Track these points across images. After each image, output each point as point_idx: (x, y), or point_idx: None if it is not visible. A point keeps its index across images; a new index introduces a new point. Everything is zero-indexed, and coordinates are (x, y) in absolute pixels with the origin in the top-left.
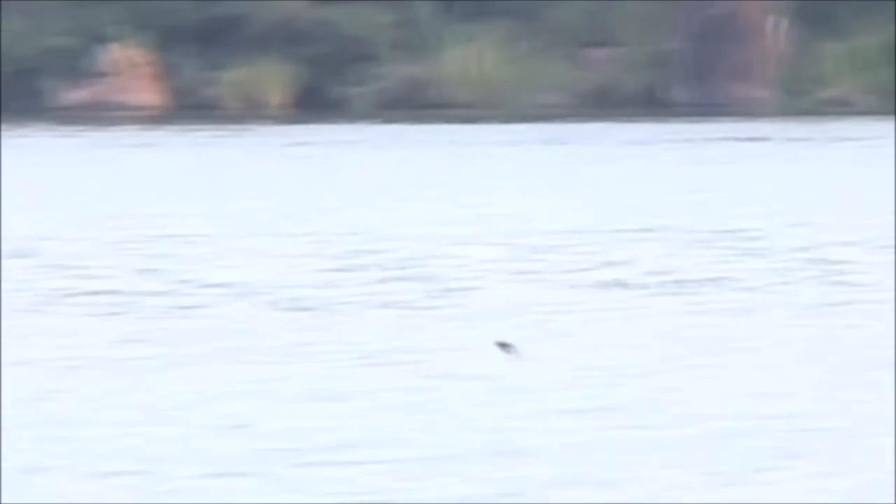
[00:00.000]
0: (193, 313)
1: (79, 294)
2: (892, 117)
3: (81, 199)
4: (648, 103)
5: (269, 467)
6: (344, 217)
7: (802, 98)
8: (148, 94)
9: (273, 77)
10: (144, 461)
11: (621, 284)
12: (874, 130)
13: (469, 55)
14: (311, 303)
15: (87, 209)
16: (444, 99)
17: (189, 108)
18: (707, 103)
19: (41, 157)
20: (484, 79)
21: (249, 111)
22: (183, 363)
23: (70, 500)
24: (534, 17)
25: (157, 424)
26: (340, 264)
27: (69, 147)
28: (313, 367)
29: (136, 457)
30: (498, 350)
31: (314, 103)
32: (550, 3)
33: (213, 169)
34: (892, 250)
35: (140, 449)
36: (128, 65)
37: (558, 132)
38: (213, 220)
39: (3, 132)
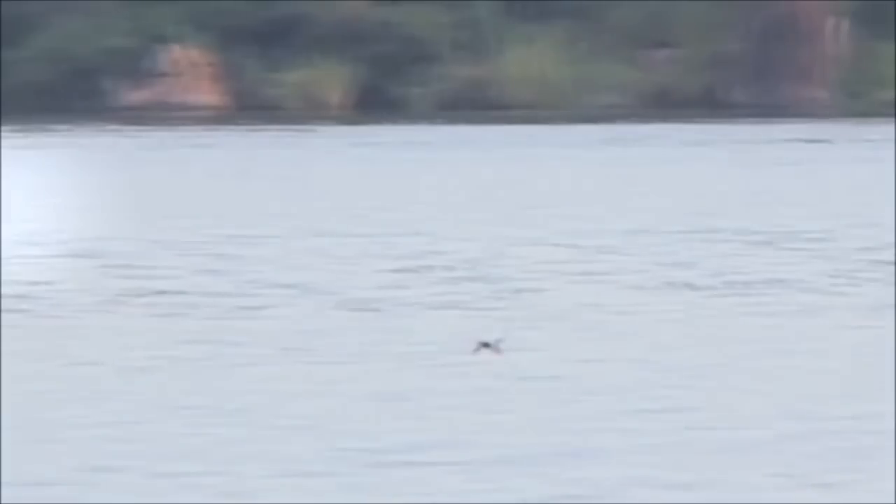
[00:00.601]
0: (259, 314)
1: (144, 294)
2: None
3: (144, 199)
4: (708, 104)
5: (337, 468)
6: (407, 218)
7: (861, 99)
8: (209, 95)
9: (333, 78)
10: (212, 462)
11: (687, 285)
12: None
13: (529, 56)
14: (377, 303)
15: (149, 209)
16: (504, 100)
17: (250, 108)
18: (766, 104)
19: (103, 157)
20: (544, 79)
21: (310, 112)
22: (249, 364)
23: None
24: (594, 17)
25: (225, 425)
26: (405, 265)
27: (130, 147)
28: (380, 368)
29: (203, 457)
30: (484, 351)
31: (374, 104)
32: (611, 4)
33: (274, 169)
34: None
35: (208, 449)
36: (189, 65)
37: (619, 133)
38: (276, 220)
39: (65, 132)
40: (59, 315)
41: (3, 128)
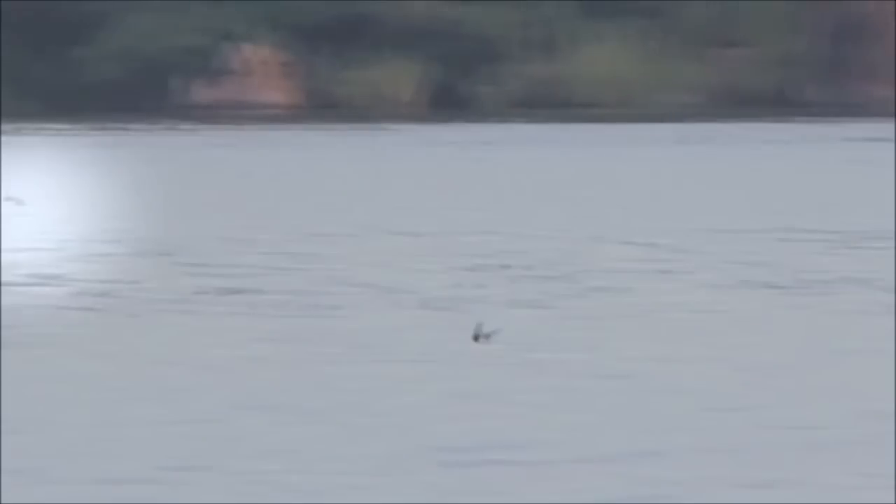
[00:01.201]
0: (336, 312)
1: (221, 293)
2: None
3: (215, 197)
4: (779, 103)
5: (415, 467)
6: (480, 216)
7: None
8: (279, 94)
9: (405, 76)
10: (290, 460)
11: (764, 285)
12: None
13: (601, 54)
14: (453, 302)
15: (222, 208)
16: (575, 98)
17: (320, 107)
18: (839, 103)
19: (174, 156)
20: (615, 78)
21: (381, 110)
22: (326, 362)
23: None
24: (666, 16)
25: (303, 424)
26: (480, 263)
27: (201, 146)
28: (457, 367)
29: (282, 456)
30: (475, 341)
31: (445, 102)
32: (683, 2)
33: (345, 168)
34: None
35: (286, 448)
36: (260, 64)
37: (690, 132)
38: (349, 218)
39: (135, 131)
40: (138, 313)
41: (75, 127)
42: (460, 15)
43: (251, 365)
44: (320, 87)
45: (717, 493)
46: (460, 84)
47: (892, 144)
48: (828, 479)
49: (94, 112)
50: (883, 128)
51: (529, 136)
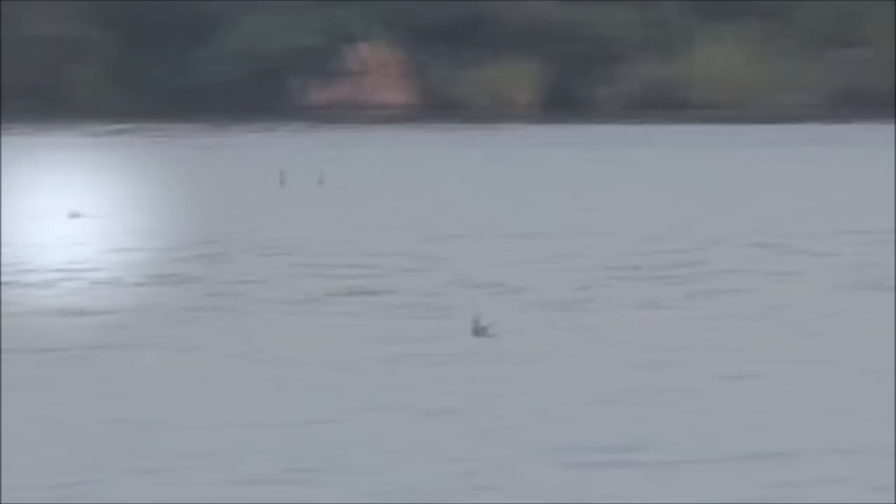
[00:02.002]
0: (457, 313)
1: (344, 293)
2: None
3: (332, 197)
4: None
5: (539, 468)
6: (599, 218)
7: None
8: (396, 94)
9: (521, 77)
10: (414, 462)
11: (886, 287)
12: None
13: (718, 55)
14: (576, 303)
15: (338, 208)
16: (692, 99)
17: (437, 107)
18: None
19: (290, 156)
20: (732, 79)
21: (497, 111)
22: (449, 363)
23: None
24: (783, 16)
25: (426, 425)
26: (601, 264)
27: (317, 146)
28: (580, 367)
29: (405, 458)
30: (475, 335)
31: (562, 103)
32: (800, 3)
33: (462, 168)
34: None
35: (409, 450)
36: (377, 64)
37: (808, 133)
38: (468, 219)
39: (252, 132)
40: (262, 312)
41: (189, 127)
42: (578, 16)
43: (374, 366)
44: (437, 88)
45: (845, 495)
46: (577, 85)
47: None
48: None
49: (210, 113)
50: None
51: (646, 138)
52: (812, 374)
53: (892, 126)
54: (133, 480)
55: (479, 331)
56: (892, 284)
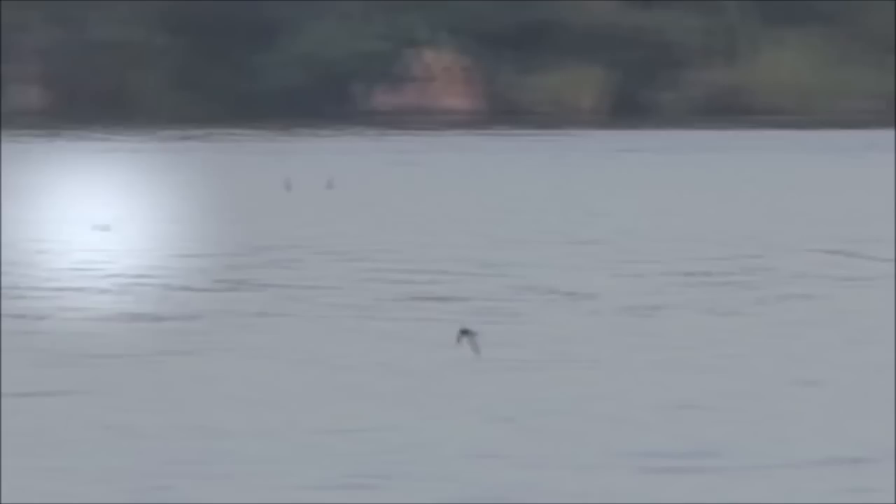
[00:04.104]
0: (524, 319)
1: (407, 299)
2: None
3: (398, 203)
4: None
5: (615, 472)
6: (666, 223)
7: None
8: (461, 99)
9: (586, 82)
10: (481, 465)
11: None
12: None
13: (782, 61)
14: (642, 309)
15: (405, 213)
16: (756, 104)
17: (502, 112)
18: None
19: (355, 162)
20: (797, 84)
21: (562, 116)
22: (515, 368)
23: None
24: (848, 22)
25: (493, 430)
26: (668, 269)
27: (383, 152)
28: (648, 373)
29: (473, 462)
30: (463, 339)
31: (627, 108)
32: (865, 8)
33: (527, 173)
34: None
35: (476, 455)
36: (442, 69)
37: (872, 138)
38: (534, 225)
39: (316, 137)
40: (330, 317)
41: (251, 132)
42: (642, 21)
43: (439, 371)
44: (502, 93)
45: None
46: (641, 90)
47: None
48: None
49: (274, 118)
50: None
51: (711, 143)
52: (883, 379)
53: None
54: (202, 486)
55: (465, 338)
56: None
